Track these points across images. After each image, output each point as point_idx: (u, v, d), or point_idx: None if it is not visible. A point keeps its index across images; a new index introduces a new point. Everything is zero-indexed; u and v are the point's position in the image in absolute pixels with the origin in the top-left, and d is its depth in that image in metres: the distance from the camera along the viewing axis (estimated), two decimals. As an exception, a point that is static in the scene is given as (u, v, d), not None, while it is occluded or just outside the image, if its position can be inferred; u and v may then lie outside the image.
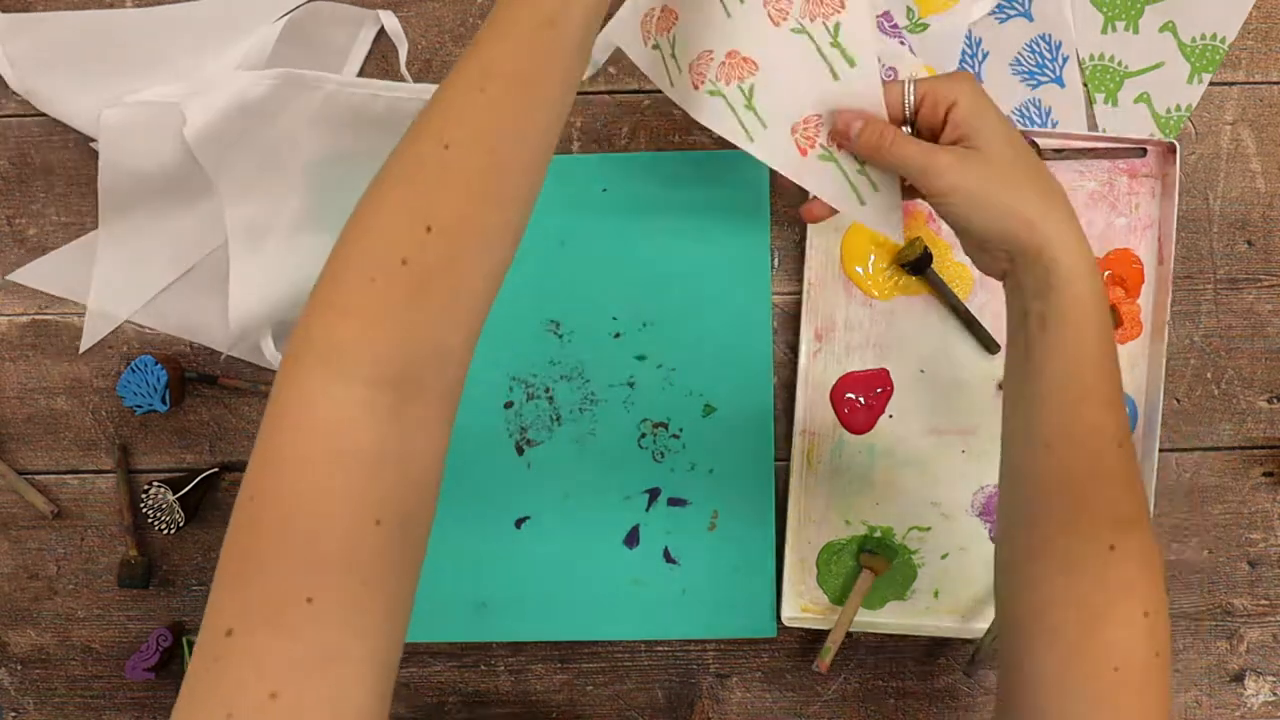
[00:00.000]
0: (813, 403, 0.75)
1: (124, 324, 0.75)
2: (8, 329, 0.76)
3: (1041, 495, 0.52)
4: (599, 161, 0.74)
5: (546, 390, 0.74)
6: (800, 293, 0.74)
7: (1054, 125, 0.74)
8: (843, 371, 0.75)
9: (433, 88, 0.60)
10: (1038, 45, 0.73)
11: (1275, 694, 0.77)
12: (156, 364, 0.72)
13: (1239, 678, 0.77)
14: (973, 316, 0.74)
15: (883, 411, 0.75)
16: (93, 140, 0.74)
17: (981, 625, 0.74)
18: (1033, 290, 0.51)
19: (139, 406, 0.72)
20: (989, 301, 0.74)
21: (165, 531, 0.73)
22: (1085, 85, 0.73)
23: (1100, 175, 0.74)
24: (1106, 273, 0.74)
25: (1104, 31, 0.73)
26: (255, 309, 0.70)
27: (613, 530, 0.75)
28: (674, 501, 0.75)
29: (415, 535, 0.45)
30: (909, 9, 0.72)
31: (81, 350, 0.73)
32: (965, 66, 0.72)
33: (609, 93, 0.74)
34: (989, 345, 0.74)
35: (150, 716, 0.79)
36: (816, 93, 0.54)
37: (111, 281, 0.73)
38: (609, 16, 0.62)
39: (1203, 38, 0.73)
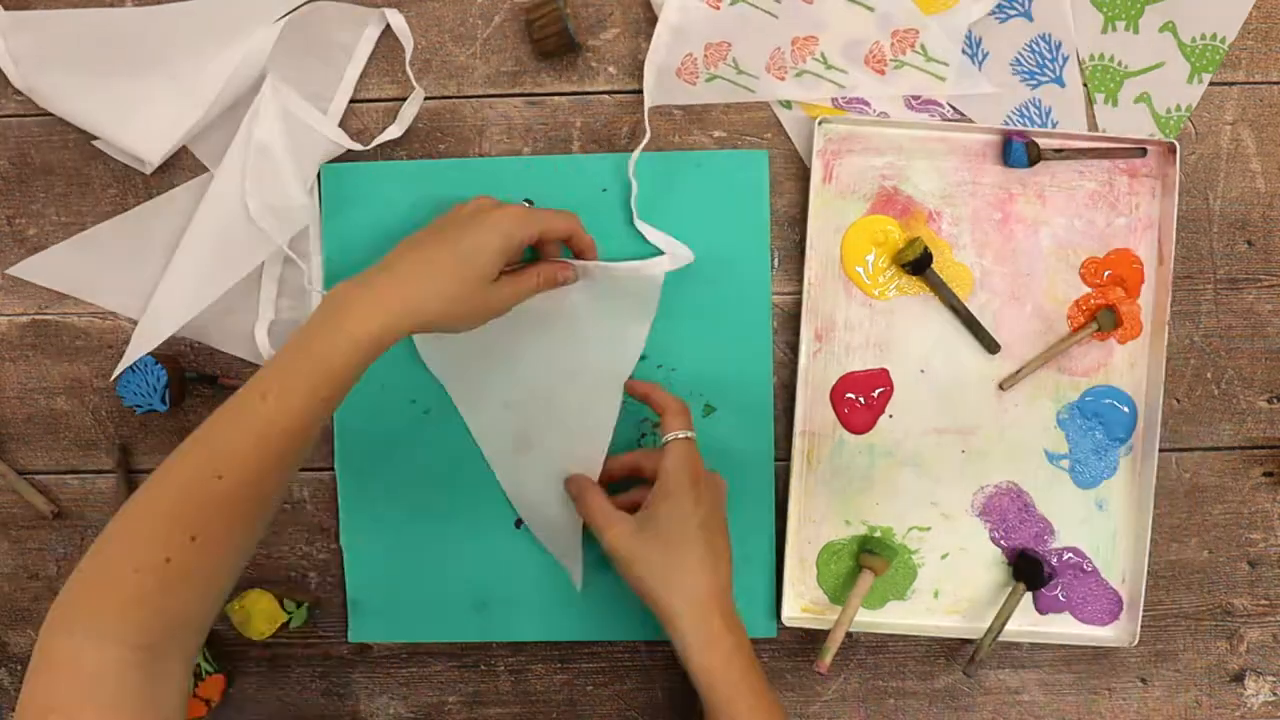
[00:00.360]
0: (813, 403, 0.75)
1: (124, 324, 0.75)
2: (8, 329, 0.76)
3: None
4: (599, 161, 0.74)
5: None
6: (800, 293, 0.74)
7: (1054, 125, 0.74)
8: (843, 371, 0.75)
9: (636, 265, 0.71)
10: (1038, 45, 0.73)
11: (1275, 694, 0.77)
12: (156, 364, 0.72)
13: (1239, 678, 0.77)
14: (973, 316, 0.74)
15: (883, 411, 0.75)
16: (94, 139, 0.74)
17: (981, 625, 0.74)
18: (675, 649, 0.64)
19: (139, 406, 0.72)
20: (989, 301, 0.74)
21: (165, 531, 0.73)
22: (1085, 85, 0.74)
23: (1100, 175, 0.74)
24: (1106, 273, 0.74)
25: (1104, 31, 0.73)
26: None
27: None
28: (674, 501, 0.75)
29: None
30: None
31: (113, 376, 0.73)
32: (965, 66, 0.72)
33: (609, 93, 0.74)
34: (989, 345, 0.74)
35: (150, 716, 0.79)
36: (865, 30, 0.72)
37: (161, 307, 0.73)
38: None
39: (1203, 38, 0.73)
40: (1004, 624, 0.72)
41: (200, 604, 0.57)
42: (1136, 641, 0.74)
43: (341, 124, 0.74)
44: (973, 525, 0.75)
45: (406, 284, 0.61)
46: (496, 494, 0.75)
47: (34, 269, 0.75)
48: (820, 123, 0.72)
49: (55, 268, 0.75)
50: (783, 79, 0.73)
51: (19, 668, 0.79)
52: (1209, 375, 0.76)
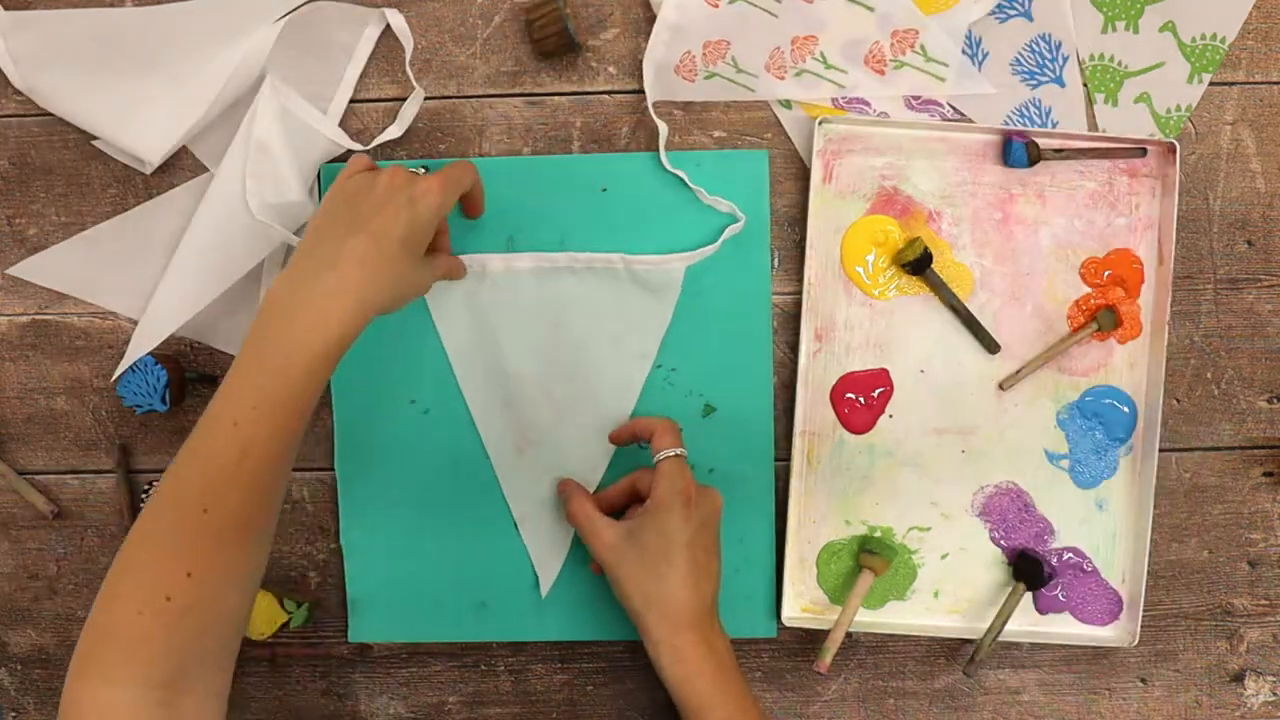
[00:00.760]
0: (813, 403, 0.75)
1: (124, 324, 0.75)
2: (8, 329, 0.76)
3: None
4: (599, 161, 0.74)
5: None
6: (800, 293, 0.74)
7: (1054, 125, 0.74)
8: (843, 371, 0.75)
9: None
10: (1038, 45, 0.73)
11: (1275, 694, 0.77)
12: (156, 364, 0.72)
13: (1239, 678, 0.77)
14: (973, 316, 0.74)
15: (883, 411, 0.75)
16: (94, 139, 0.74)
17: (981, 625, 0.74)
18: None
19: (139, 406, 0.72)
20: (989, 301, 0.74)
21: (165, 531, 0.73)
22: (1085, 85, 0.74)
23: (1100, 175, 0.74)
24: (1106, 273, 0.74)
25: (1104, 31, 0.73)
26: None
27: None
28: (674, 501, 0.75)
29: None
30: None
31: (114, 377, 0.73)
32: (965, 66, 0.72)
33: (609, 93, 0.74)
34: (989, 345, 0.74)
35: (150, 716, 0.79)
36: (865, 29, 0.71)
37: (161, 306, 0.73)
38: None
39: (1203, 38, 0.73)
40: (1004, 624, 0.72)
41: (210, 637, 0.57)
42: (1136, 641, 0.74)
43: (341, 124, 0.74)
44: (973, 525, 0.76)
45: (358, 280, 0.58)
46: (497, 494, 0.75)
47: (34, 269, 0.75)
48: (820, 123, 0.72)
49: (55, 268, 0.75)
50: (782, 78, 0.73)
51: (19, 668, 0.79)
52: (1209, 375, 0.76)
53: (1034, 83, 0.73)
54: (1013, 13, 0.73)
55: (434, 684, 0.78)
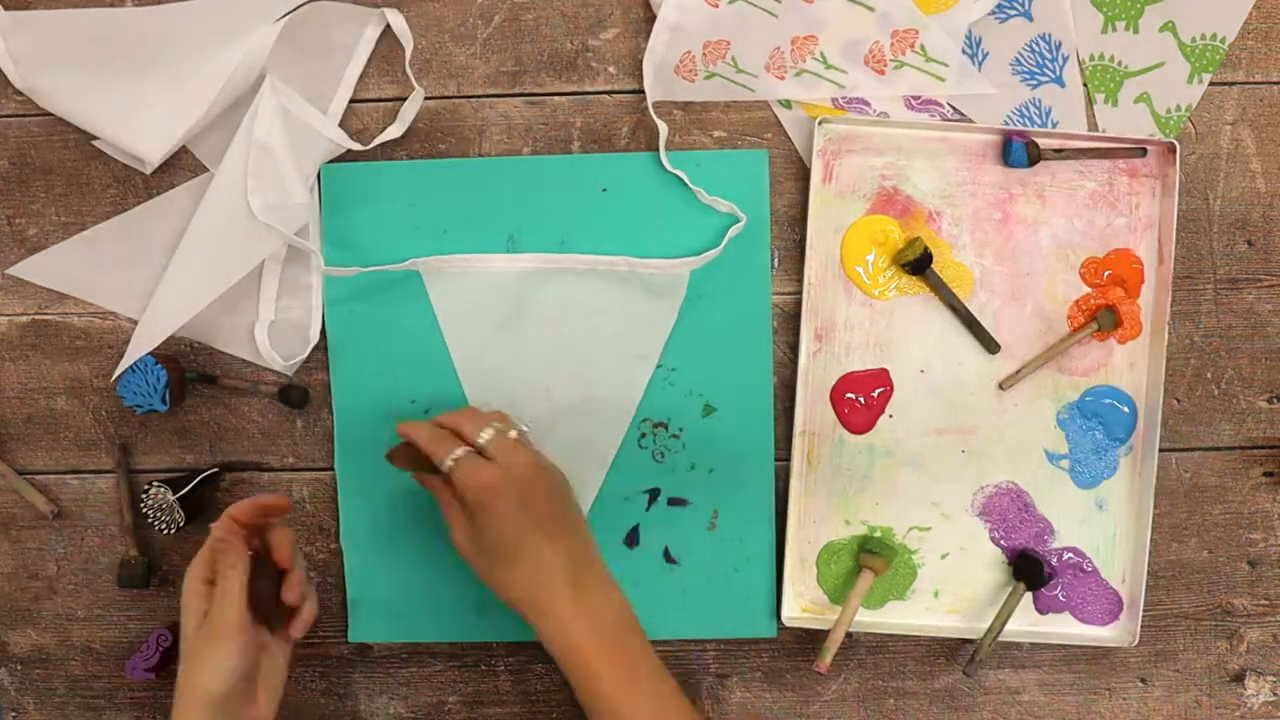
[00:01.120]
0: (813, 403, 0.75)
1: (124, 324, 0.75)
2: (8, 329, 0.76)
3: None
4: (599, 161, 0.74)
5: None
6: (800, 293, 0.74)
7: (1054, 125, 0.74)
8: (843, 371, 0.75)
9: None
10: (1038, 45, 0.73)
11: (1275, 694, 0.77)
12: (156, 364, 0.72)
13: (1239, 678, 0.77)
14: (973, 316, 0.74)
15: (883, 411, 0.75)
16: (94, 139, 0.74)
17: (981, 625, 0.74)
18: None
19: (139, 406, 0.72)
20: (989, 301, 0.74)
21: (165, 531, 0.73)
22: (1085, 85, 0.74)
23: (1100, 175, 0.74)
24: (1106, 273, 0.74)
25: (1104, 31, 0.73)
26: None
27: (613, 530, 0.75)
28: (674, 501, 0.75)
29: None
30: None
31: (114, 377, 0.73)
32: (965, 66, 0.72)
33: (609, 93, 0.74)
34: (989, 345, 0.74)
35: (150, 716, 0.79)
36: (865, 29, 0.71)
37: (161, 306, 0.73)
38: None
39: (1203, 38, 0.73)
40: (1004, 624, 0.72)
41: None
42: (1136, 641, 0.74)
43: (341, 124, 0.74)
44: (973, 525, 0.75)
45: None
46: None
47: (34, 269, 0.75)
48: (820, 123, 0.72)
49: (55, 268, 0.75)
50: (782, 78, 0.73)
51: (19, 668, 0.79)
52: (1209, 375, 0.76)
53: (1034, 83, 0.73)
54: (1013, 13, 0.73)
55: (434, 684, 0.78)
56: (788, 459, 0.74)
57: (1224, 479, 0.76)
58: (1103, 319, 0.73)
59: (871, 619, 0.76)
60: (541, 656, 0.77)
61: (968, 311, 0.74)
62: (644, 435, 0.75)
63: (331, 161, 0.74)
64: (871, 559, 0.73)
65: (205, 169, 0.74)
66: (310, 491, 0.77)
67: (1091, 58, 0.73)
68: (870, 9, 0.71)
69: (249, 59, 0.69)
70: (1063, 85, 0.73)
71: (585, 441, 0.74)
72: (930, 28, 0.71)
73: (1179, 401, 0.76)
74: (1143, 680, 0.77)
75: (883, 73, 0.73)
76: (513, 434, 0.66)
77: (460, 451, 0.64)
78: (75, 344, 0.76)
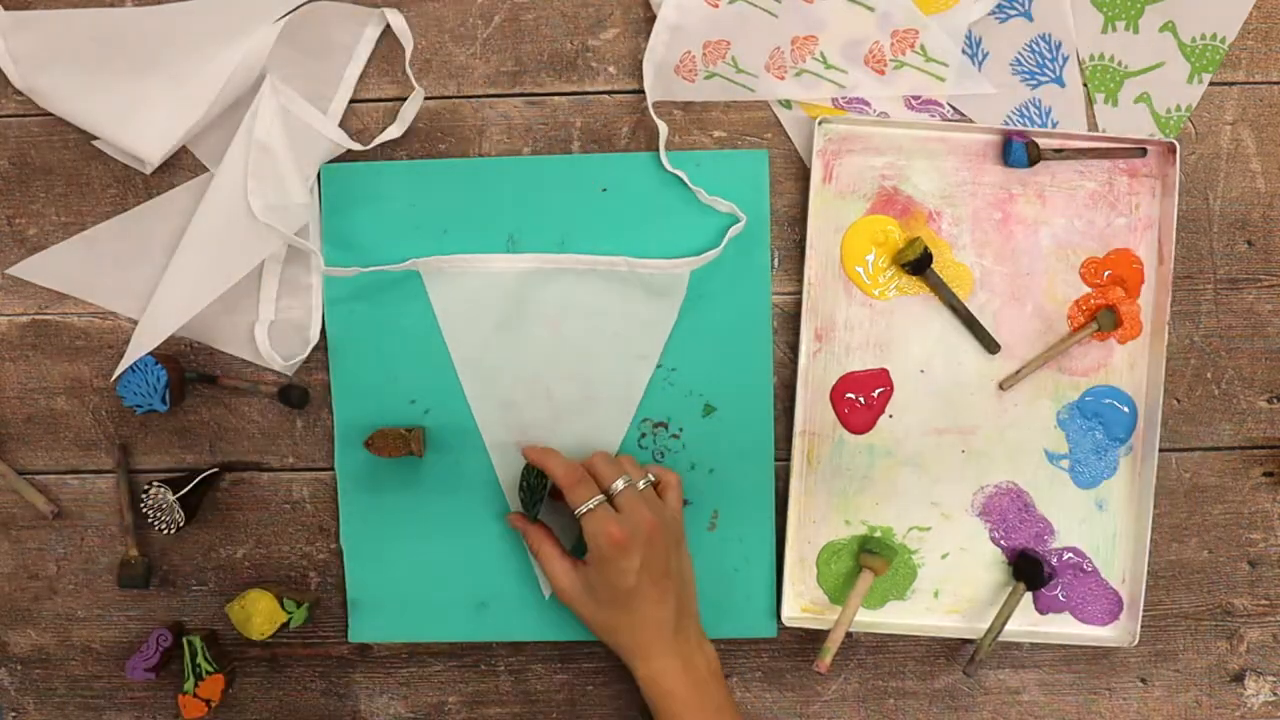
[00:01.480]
0: (813, 403, 0.75)
1: (124, 324, 0.75)
2: (8, 329, 0.76)
3: None
4: (599, 161, 0.74)
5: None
6: (800, 293, 0.74)
7: (1054, 125, 0.74)
8: (843, 371, 0.75)
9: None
10: (1038, 45, 0.73)
11: (1275, 694, 0.77)
12: (156, 364, 0.72)
13: (1239, 678, 0.77)
14: (973, 316, 0.74)
15: (883, 411, 0.75)
16: (94, 139, 0.74)
17: (981, 625, 0.74)
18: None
19: (139, 406, 0.72)
20: (989, 301, 0.74)
21: (165, 531, 0.73)
22: (1085, 85, 0.74)
23: (1100, 175, 0.74)
24: (1106, 273, 0.74)
25: (1104, 31, 0.73)
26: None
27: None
28: (674, 501, 0.75)
29: None
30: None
31: (114, 377, 0.72)
32: (965, 66, 0.72)
33: (609, 93, 0.74)
34: (989, 345, 0.74)
35: (150, 716, 0.79)
36: (865, 29, 0.71)
37: (161, 306, 0.73)
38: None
39: (1203, 38, 0.73)
40: (1004, 624, 0.72)
41: None
42: (1136, 641, 0.74)
43: (341, 124, 0.74)
44: (973, 525, 0.76)
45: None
46: (497, 494, 0.75)
47: (34, 269, 0.75)
48: (820, 123, 0.72)
49: (55, 268, 0.75)
50: (782, 78, 0.73)
51: (19, 668, 0.79)
52: (1209, 375, 0.76)
53: (1034, 83, 0.73)
54: (1013, 13, 0.73)
55: (434, 684, 0.78)
56: (788, 459, 0.74)
57: (1224, 479, 0.76)
58: (1103, 319, 0.73)
59: (871, 619, 0.76)
60: (542, 656, 0.77)
61: (968, 311, 0.74)
62: (644, 435, 0.75)
63: (331, 161, 0.74)
64: (871, 559, 0.73)
65: (205, 169, 0.74)
66: (310, 491, 0.77)
67: (1091, 58, 0.73)
68: (870, 9, 0.71)
69: (249, 59, 0.69)
70: (1063, 85, 0.73)
71: (585, 442, 0.74)
72: (930, 28, 0.71)
73: (1179, 401, 0.76)
74: (1143, 680, 0.77)
75: (883, 73, 0.72)
76: (642, 484, 0.69)
77: (594, 502, 0.67)
78: (75, 344, 0.76)
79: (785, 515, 0.75)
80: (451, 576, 0.76)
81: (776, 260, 0.75)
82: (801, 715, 0.78)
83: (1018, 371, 0.74)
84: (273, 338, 0.74)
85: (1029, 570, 0.73)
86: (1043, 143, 0.73)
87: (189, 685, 0.74)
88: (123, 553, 0.76)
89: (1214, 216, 0.74)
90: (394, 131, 0.73)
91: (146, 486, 0.73)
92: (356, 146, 0.73)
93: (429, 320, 0.74)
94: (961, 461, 0.75)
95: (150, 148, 0.72)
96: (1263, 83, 0.74)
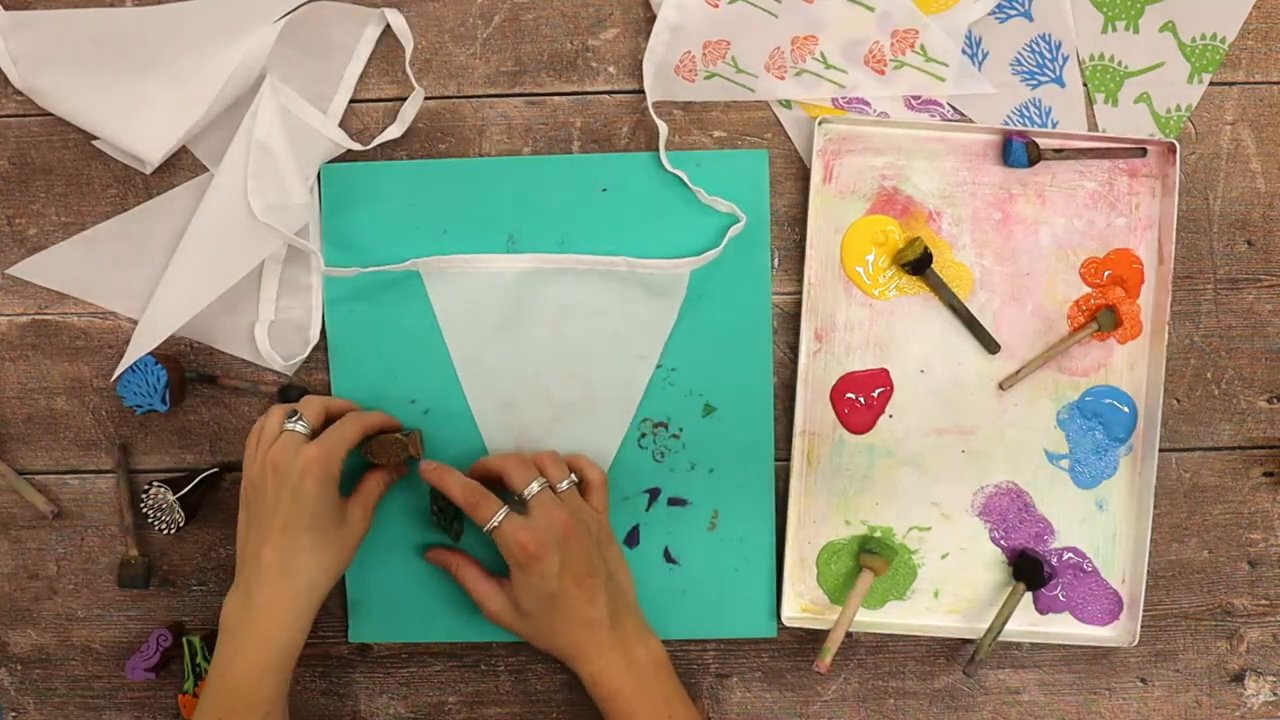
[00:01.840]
0: (813, 403, 0.75)
1: (124, 324, 0.75)
2: (8, 329, 0.76)
3: None
4: (599, 161, 0.74)
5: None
6: (800, 293, 0.74)
7: (1054, 125, 0.74)
8: (843, 371, 0.75)
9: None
10: (1038, 45, 0.73)
11: (1275, 694, 0.77)
12: (156, 364, 0.72)
13: (1239, 678, 0.77)
14: (973, 316, 0.74)
15: (883, 411, 0.75)
16: (94, 139, 0.74)
17: (981, 625, 0.74)
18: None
19: (139, 406, 0.72)
20: (989, 301, 0.74)
21: (165, 531, 0.73)
22: (1085, 85, 0.74)
23: (1100, 175, 0.74)
24: (1106, 273, 0.74)
25: (1104, 31, 0.73)
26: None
27: (613, 530, 0.75)
28: (674, 501, 0.75)
29: None
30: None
31: (114, 377, 0.72)
32: (965, 66, 0.72)
33: (609, 93, 0.74)
34: (989, 345, 0.74)
35: (150, 716, 0.79)
36: (865, 29, 0.71)
37: (161, 306, 0.73)
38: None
39: (1203, 38, 0.73)
40: (1004, 624, 0.72)
41: None
42: (1136, 641, 0.74)
43: (341, 124, 0.74)
44: (973, 525, 0.76)
45: (286, 592, 0.65)
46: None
47: (34, 269, 0.75)
48: (820, 123, 0.72)
49: (55, 268, 0.75)
50: (782, 78, 0.73)
51: (19, 668, 0.79)
52: (1209, 375, 0.76)
53: (1034, 83, 0.73)
54: (1013, 13, 0.73)
55: (434, 684, 0.78)
56: (788, 459, 0.74)
57: (1224, 479, 0.76)
58: (1103, 319, 0.73)
59: (871, 619, 0.76)
60: (542, 656, 0.77)
61: (968, 311, 0.74)
62: (644, 435, 0.75)
63: (331, 161, 0.74)
64: (871, 559, 0.73)
65: (205, 169, 0.74)
66: (310, 491, 0.77)
67: (1091, 58, 0.73)
68: (870, 9, 0.71)
69: (249, 59, 0.69)
70: (1063, 85, 0.73)
71: (585, 441, 0.74)
72: (930, 28, 0.71)
73: (1179, 401, 0.76)
74: (1143, 680, 0.77)
75: (883, 73, 0.72)
76: (565, 485, 0.69)
77: (499, 517, 0.67)
78: (75, 344, 0.76)
79: (785, 515, 0.75)
80: (452, 576, 0.76)
81: (776, 260, 0.75)
82: (801, 715, 0.78)
83: (1018, 371, 0.74)
84: (273, 338, 0.74)
85: (1029, 570, 0.73)
86: (1043, 143, 0.73)
87: (189, 685, 0.74)
88: (123, 553, 0.76)
89: (1214, 216, 0.74)
90: (394, 131, 0.73)
91: (146, 486, 0.73)
92: (356, 146, 0.73)
93: (429, 320, 0.74)
94: (961, 461, 0.75)
95: (150, 148, 0.72)
96: (1263, 83, 0.74)
